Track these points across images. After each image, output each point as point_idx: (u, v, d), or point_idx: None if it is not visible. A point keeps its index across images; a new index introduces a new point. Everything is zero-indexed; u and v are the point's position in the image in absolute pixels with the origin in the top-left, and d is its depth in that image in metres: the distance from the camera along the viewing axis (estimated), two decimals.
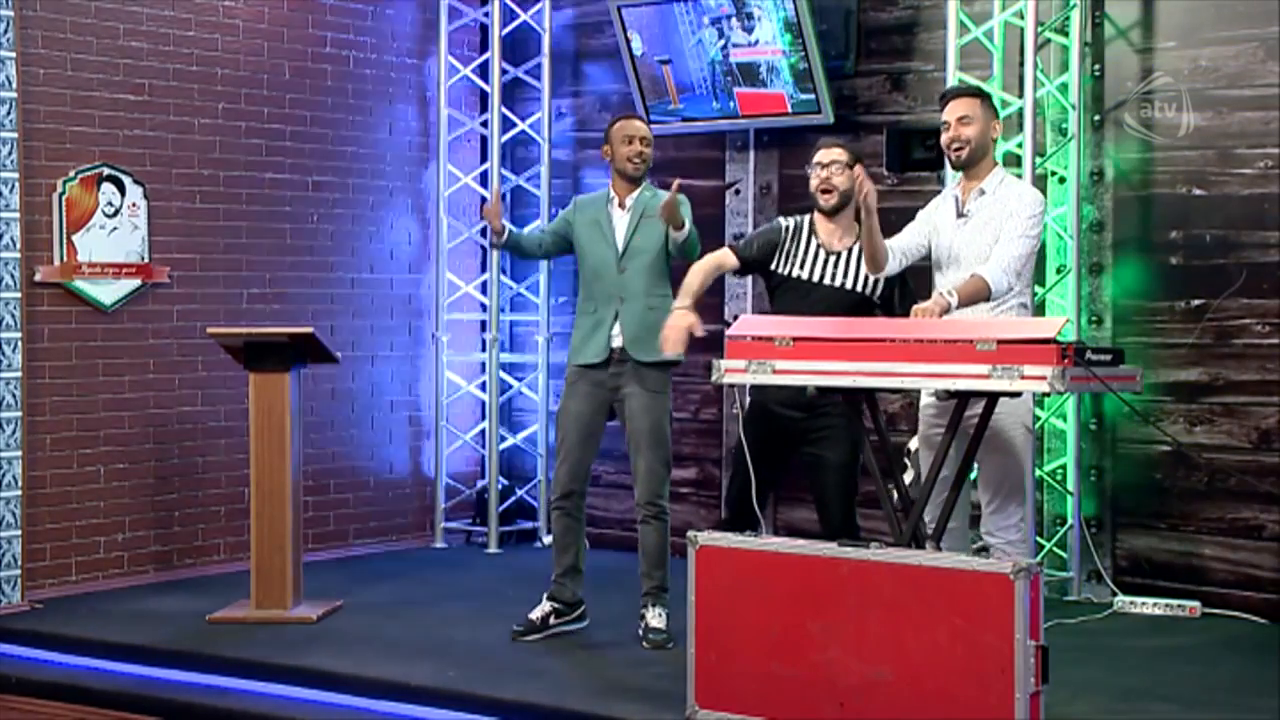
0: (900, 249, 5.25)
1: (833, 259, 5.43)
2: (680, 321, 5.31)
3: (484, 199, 6.10)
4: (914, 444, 5.38)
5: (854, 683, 4.48)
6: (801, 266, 5.44)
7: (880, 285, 5.40)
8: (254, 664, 5.58)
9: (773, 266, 5.50)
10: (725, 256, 5.56)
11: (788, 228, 5.52)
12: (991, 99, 5.31)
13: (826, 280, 5.41)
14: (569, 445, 5.88)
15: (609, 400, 5.87)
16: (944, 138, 5.24)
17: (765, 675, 4.62)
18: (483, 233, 8.19)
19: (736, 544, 4.76)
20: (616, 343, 5.81)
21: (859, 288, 5.40)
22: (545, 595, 5.96)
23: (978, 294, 4.97)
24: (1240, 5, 6.36)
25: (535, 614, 5.92)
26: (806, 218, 5.52)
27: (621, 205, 5.90)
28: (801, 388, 4.96)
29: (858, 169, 5.13)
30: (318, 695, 5.35)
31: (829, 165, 5.39)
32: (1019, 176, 6.47)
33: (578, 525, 5.96)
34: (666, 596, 5.82)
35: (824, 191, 5.40)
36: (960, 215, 5.18)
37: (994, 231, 5.10)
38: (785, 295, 5.48)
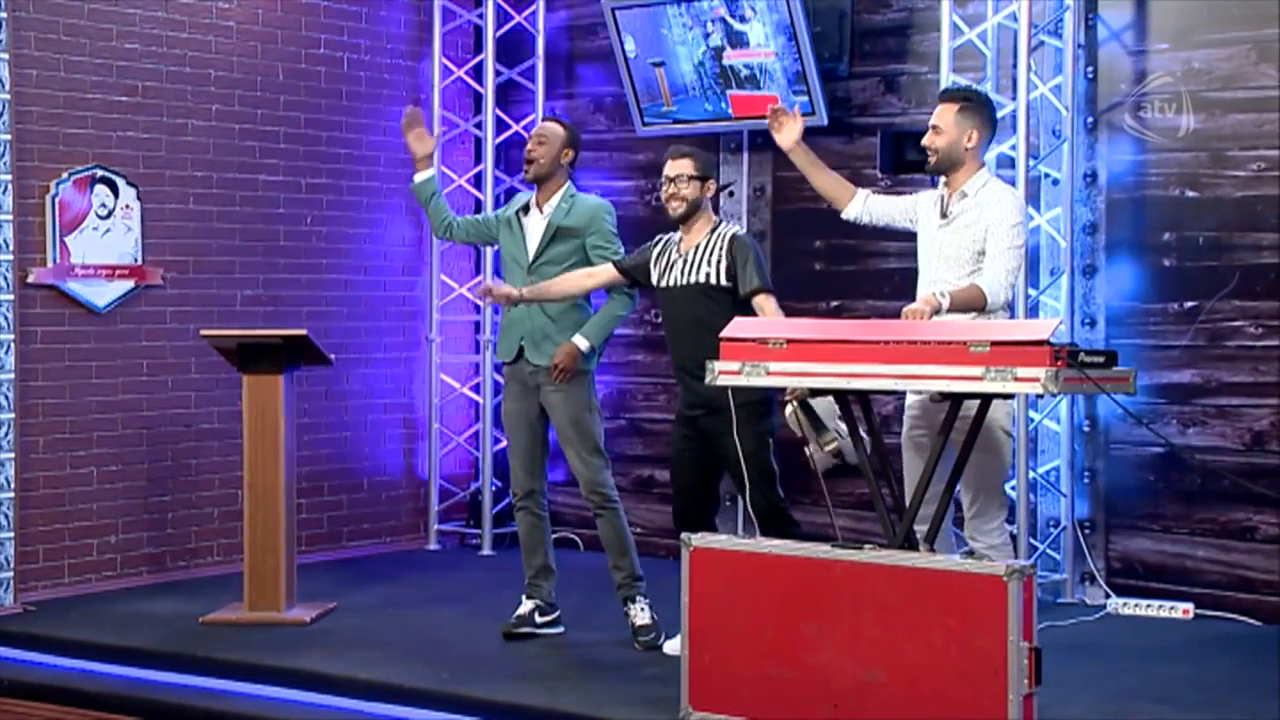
0: (871, 199, 5.41)
1: (682, 260, 5.57)
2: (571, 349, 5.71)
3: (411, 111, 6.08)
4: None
5: (848, 684, 4.48)
6: (664, 276, 5.61)
7: (720, 271, 5.47)
8: (247, 666, 5.57)
9: (654, 281, 5.65)
10: (606, 270, 5.79)
11: (659, 240, 5.71)
12: (975, 104, 5.22)
13: (681, 280, 5.54)
14: (516, 444, 5.98)
15: (536, 399, 5.93)
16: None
17: (759, 677, 4.62)
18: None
19: (730, 546, 4.76)
20: (522, 343, 5.90)
21: (699, 279, 5.49)
22: (524, 595, 5.98)
23: (973, 303, 4.98)
24: (1233, 7, 6.37)
25: (521, 611, 5.96)
26: (677, 233, 5.65)
27: (540, 208, 5.94)
28: (699, 387, 5.15)
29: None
30: (311, 697, 5.35)
31: (675, 179, 5.55)
32: (1013, 178, 6.49)
33: (542, 524, 6.00)
34: (643, 585, 5.83)
35: (670, 199, 5.56)
36: (943, 216, 5.20)
37: (976, 234, 5.11)
38: (661, 305, 5.68)
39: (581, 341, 5.81)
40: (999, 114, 6.65)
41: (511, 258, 5.98)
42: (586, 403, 5.89)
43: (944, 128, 5.16)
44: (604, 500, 5.85)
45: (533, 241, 5.92)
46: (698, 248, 5.55)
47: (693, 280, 5.51)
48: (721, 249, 5.51)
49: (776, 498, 5.46)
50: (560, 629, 6.01)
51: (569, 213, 5.91)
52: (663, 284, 5.60)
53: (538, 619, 5.94)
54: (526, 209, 5.99)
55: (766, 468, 5.45)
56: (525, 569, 6.00)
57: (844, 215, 5.47)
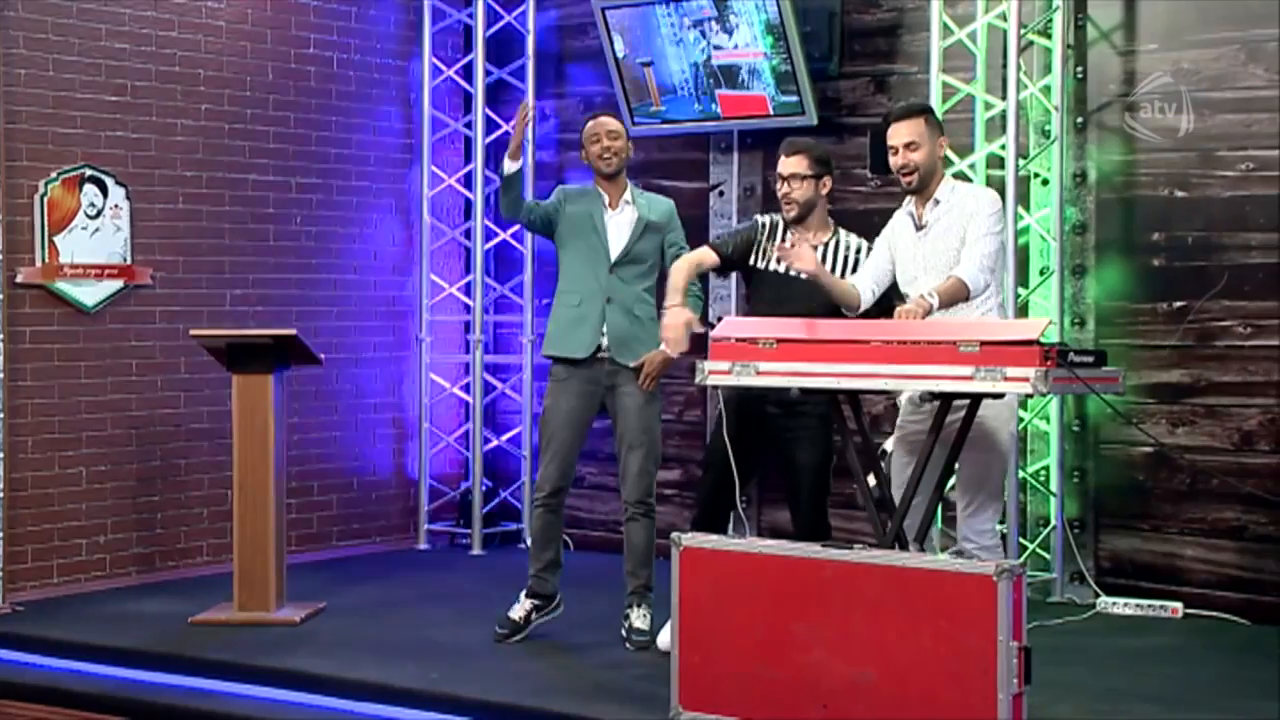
0: (872, 281, 5.28)
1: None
2: (677, 319, 5.33)
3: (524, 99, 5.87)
4: (889, 444, 5.37)
5: (838, 684, 4.48)
6: (779, 261, 5.45)
7: (850, 277, 5.43)
8: (237, 666, 5.56)
9: (751, 262, 5.54)
10: (705, 254, 5.59)
11: (764, 224, 5.58)
12: (932, 114, 5.25)
13: (799, 271, 5.43)
14: (559, 442, 5.84)
15: (601, 398, 5.85)
16: (892, 162, 5.20)
17: (749, 676, 4.62)
18: (466, 234, 8.19)
19: (721, 545, 4.77)
20: (603, 342, 5.80)
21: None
22: (524, 593, 5.94)
23: (957, 294, 4.98)
24: (1222, 8, 6.38)
25: (517, 613, 5.90)
26: (782, 215, 5.56)
27: (612, 205, 5.87)
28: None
29: (792, 241, 5.26)
30: (301, 697, 5.34)
31: (789, 179, 5.45)
32: (1002, 178, 6.50)
33: (559, 522, 5.96)
34: (651, 596, 5.83)
35: (786, 203, 5.47)
36: (919, 228, 5.18)
37: (957, 236, 5.11)
38: (763, 289, 5.53)
39: (673, 351, 5.71)
40: (988, 114, 6.71)
41: (586, 253, 5.83)
42: (658, 412, 5.87)
43: (920, 142, 5.15)
44: (649, 509, 5.83)
45: (619, 237, 5.83)
46: (826, 245, 5.46)
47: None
48: (856, 257, 5.42)
49: (826, 516, 5.48)
50: (560, 610, 5.97)
51: (649, 209, 5.88)
52: (773, 269, 5.46)
53: (534, 619, 5.92)
54: (594, 201, 5.86)
55: (826, 482, 5.49)
56: (533, 562, 5.93)
57: (863, 309, 5.28)
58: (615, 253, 5.82)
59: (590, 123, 5.93)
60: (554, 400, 5.87)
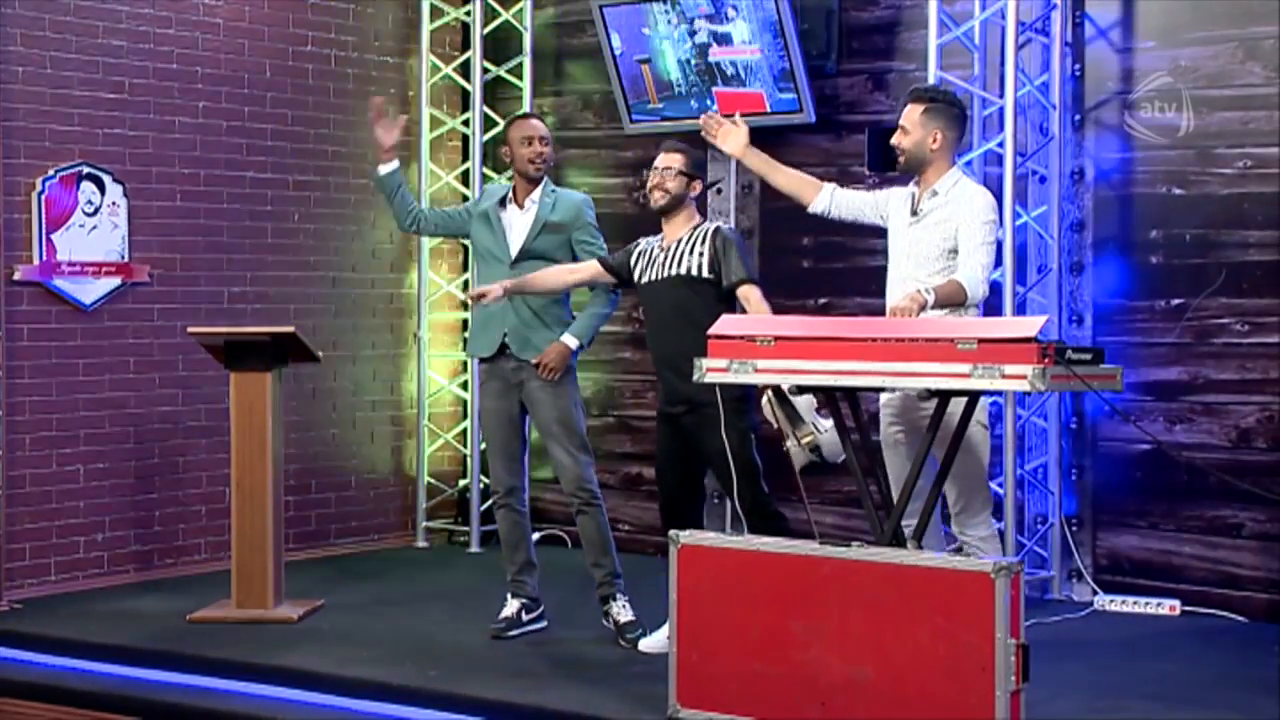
0: (841, 197, 5.45)
1: (663, 255, 5.58)
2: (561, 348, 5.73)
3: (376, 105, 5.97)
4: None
5: (835, 682, 4.48)
6: (646, 270, 5.61)
7: (703, 263, 5.49)
8: (235, 664, 5.56)
9: (634, 279, 5.67)
10: (586, 267, 5.79)
11: (641, 246, 5.71)
12: (941, 105, 5.21)
13: (662, 274, 5.55)
14: (497, 442, 5.95)
15: (518, 396, 5.92)
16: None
17: (747, 674, 4.62)
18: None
19: (718, 543, 4.77)
20: (504, 339, 5.87)
21: (681, 271, 5.51)
22: (509, 594, 5.97)
23: (954, 297, 5.02)
24: (1220, 5, 6.38)
25: (508, 611, 5.94)
26: (660, 234, 5.68)
27: (519, 204, 5.93)
28: (680, 384, 5.27)
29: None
30: (299, 695, 5.34)
31: (663, 170, 5.58)
32: (1000, 175, 6.50)
33: (523, 520, 6.01)
34: (622, 583, 5.84)
35: (659, 190, 5.58)
36: (914, 214, 5.22)
37: (946, 232, 5.13)
38: (643, 302, 5.68)
39: (571, 340, 5.82)
40: (986, 112, 6.70)
41: (489, 253, 5.95)
42: (571, 399, 5.89)
43: (910, 128, 5.19)
44: (589, 497, 5.84)
45: (516, 236, 5.90)
46: (679, 241, 5.57)
47: (674, 273, 5.52)
48: (704, 242, 5.53)
49: (761, 493, 5.46)
50: (544, 624, 6.01)
51: (554, 207, 5.92)
52: (644, 280, 5.61)
53: (524, 618, 5.94)
54: (503, 203, 5.97)
55: (750, 463, 5.45)
56: (507, 566, 5.99)
57: (811, 209, 5.52)
58: (514, 250, 5.88)
59: (519, 122, 6.02)
60: (483, 402, 6.07)
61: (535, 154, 5.90)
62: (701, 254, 5.50)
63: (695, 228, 5.59)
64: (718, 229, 5.56)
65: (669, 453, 5.57)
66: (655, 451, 5.71)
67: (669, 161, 5.60)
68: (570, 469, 5.83)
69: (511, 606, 5.95)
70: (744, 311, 5.43)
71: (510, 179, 6.15)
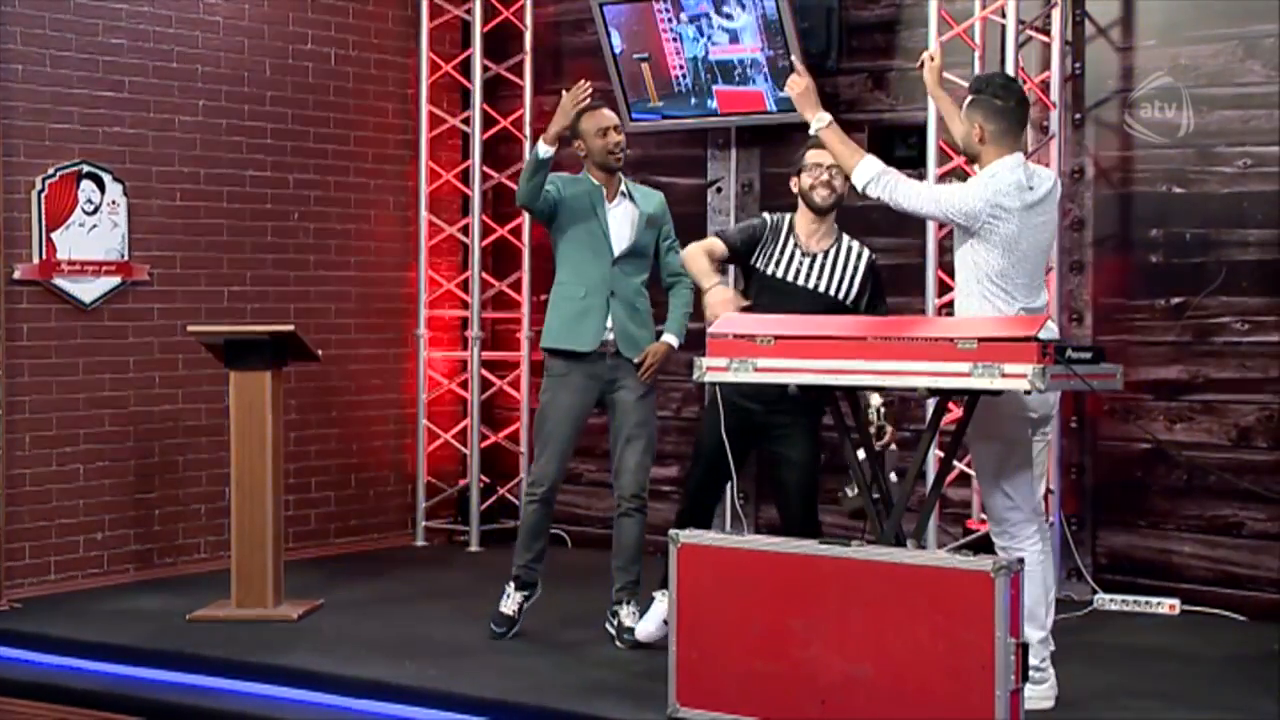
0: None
1: (808, 260, 5.46)
2: (723, 295, 5.30)
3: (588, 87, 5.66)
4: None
5: (835, 680, 4.48)
6: (779, 265, 5.46)
7: (854, 290, 5.44)
8: (234, 663, 5.56)
9: (753, 260, 5.51)
10: (714, 244, 5.55)
11: (770, 223, 5.54)
12: (982, 96, 5.00)
13: (802, 282, 5.44)
14: (558, 437, 5.79)
15: (601, 393, 5.81)
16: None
17: (747, 673, 4.62)
18: (464, 230, 8.17)
19: (718, 542, 4.77)
20: (609, 335, 5.76)
21: (833, 292, 5.44)
22: (514, 585, 5.90)
23: (844, 155, 5.05)
24: (1219, 4, 6.38)
25: (510, 608, 5.89)
26: (787, 216, 5.54)
27: (609, 198, 5.81)
28: (771, 386, 5.10)
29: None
30: (299, 694, 5.34)
31: (829, 167, 5.38)
32: None
33: (551, 515, 5.93)
34: (639, 592, 5.82)
35: (828, 189, 5.41)
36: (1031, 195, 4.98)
37: (1052, 226, 5.06)
38: (761, 294, 5.48)
39: (674, 340, 5.77)
40: None
41: (588, 247, 5.75)
42: (655, 406, 5.87)
43: (960, 121, 5.11)
44: (643, 504, 5.79)
45: (622, 231, 5.77)
46: (828, 254, 5.46)
47: (825, 289, 5.41)
48: (860, 268, 5.45)
49: (815, 515, 5.49)
50: (540, 593, 5.96)
51: (646, 202, 5.84)
52: (775, 273, 5.45)
53: (520, 615, 5.91)
54: (593, 192, 5.79)
55: (815, 483, 5.51)
56: (524, 553, 5.86)
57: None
58: (619, 247, 5.77)
59: (592, 114, 5.76)
60: (553, 395, 5.81)
61: (614, 144, 5.75)
62: (854, 279, 5.44)
63: (843, 242, 5.48)
64: (872, 260, 5.50)
65: (719, 443, 5.23)
66: (700, 438, 5.63)
67: (827, 158, 5.38)
68: (638, 473, 5.76)
69: (514, 601, 5.88)
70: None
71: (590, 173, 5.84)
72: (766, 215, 5.60)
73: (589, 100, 5.68)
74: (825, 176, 5.40)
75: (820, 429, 5.51)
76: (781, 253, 5.46)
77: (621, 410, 5.79)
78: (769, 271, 5.46)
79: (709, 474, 5.52)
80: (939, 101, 5.45)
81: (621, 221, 5.80)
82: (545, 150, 5.61)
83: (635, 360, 5.76)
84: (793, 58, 5.42)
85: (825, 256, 5.45)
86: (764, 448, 5.56)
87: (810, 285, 5.43)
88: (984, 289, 4.89)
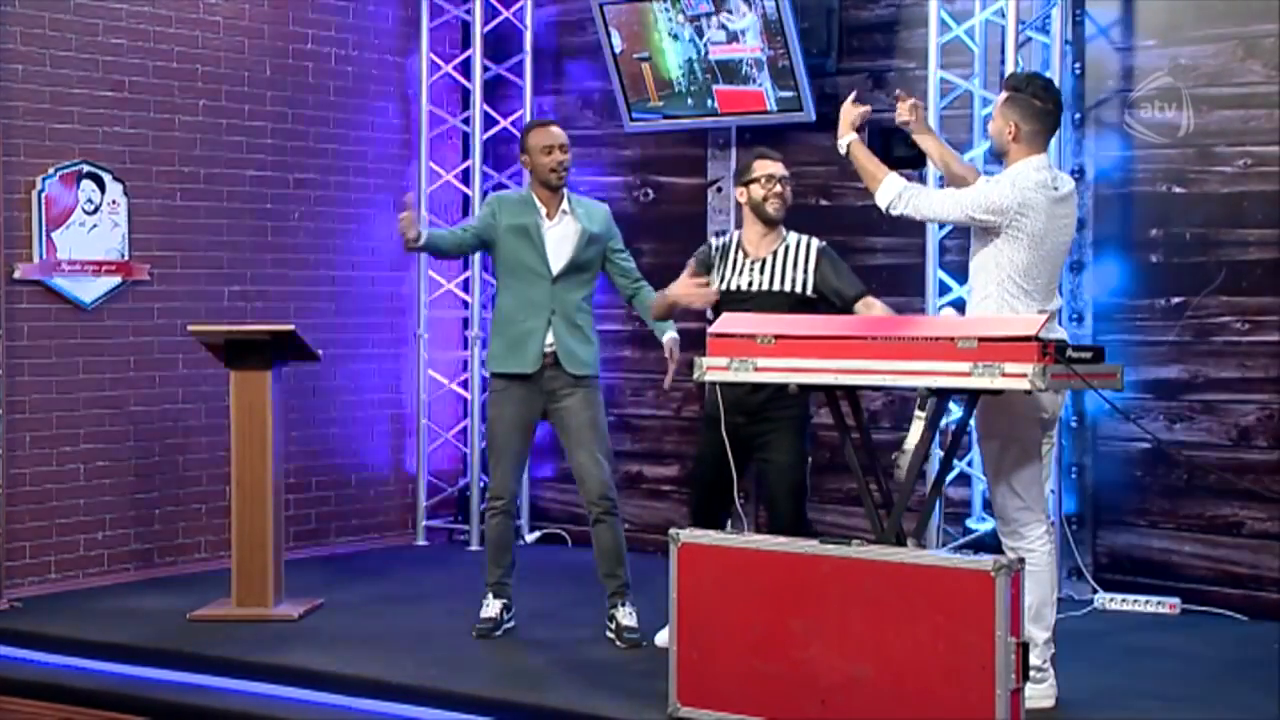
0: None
1: (758, 265, 5.53)
2: (680, 282, 5.47)
3: (402, 204, 5.80)
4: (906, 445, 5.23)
5: (835, 680, 4.48)
6: (732, 279, 5.55)
7: (809, 280, 5.48)
8: (235, 662, 5.57)
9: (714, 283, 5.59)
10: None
11: (716, 246, 5.66)
12: (1019, 95, 4.95)
13: (755, 287, 5.51)
14: (508, 450, 5.86)
15: (542, 404, 5.86)
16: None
17: (747, 673, 4.62)
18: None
19: (718, 542, 4.77)
20: (549, 351, 5.79)
21: (788, 288, 5.49)
22: (491, 594, 5.94)
23: (870, 173, 5.05)
24: (1220, 4, 6.38)
25: (491, 611, 5.92)
26: (733, 234, 5.65)
27: (550, 216, 5.84)
28: (745, 393, 5.22)
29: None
30: (299, 693, 5.34)
31: (780, 178, 5.52)
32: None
33: (513, 524, 6.00)
34: (631, 593, 5.83)
35: (780, 200, 5.52)
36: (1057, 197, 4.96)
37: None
38: (725, 309, 5.52)
39: (673, 333, 5.83)
40: (985, 111, 6.69)
41: (527, 268, 5.80)
42: (602, 405, 5.89)
43: (994, 116, 5.09)
44: (612, 505, 5.80)
45: (561, 249, 5.79)
46: (776, 254, 5.52)
47: (778, 288, 5.46)
48: (808, 260, 5.50)
49: (804, 515, 5.51)
50: (514, 624, 6.01)
51: (590, 219, 5.87)
52: (730, 287, 5.52)
53: (504, 617, 5.94)
54: (531, 213, 5.83)
55: (802, 485, 5.51)
56: (493, 569, 5.94)
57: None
58: (557, 267, 5.80)
59: (539, 129, 5.87)
60: (498, 410, 5.88)
61: (557, 163, 5.79)
62: (806, 271, 5.48)
63: (790, 239, 5.55)
64: (821, 249, 5.54)
65: (717, 458, 5.31)
66: (699, 454, 5.69)
67: (781, 169, 5.53)
68: (597, 475, 5.78)
69: (494, 606, 5.93)
70: None
71: (529, 188, 5.93)
72: (712, 240, 5.70)
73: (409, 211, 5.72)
74: (778, 188, 5.51)
75: (807, 430, 5.51)
76: (733, 268, 5.56)
77: (567, 418, 5.82)
78: (726, 288, 5.54)
79: (708, 495, 5.59)
80: (926, 142, 5.32)
81: (561, 240, 5.82)
82: (416, 245, 5.73)
83: (576, 374, 5.79)
84: (898, 91, 5.45)
85: (774, 257, 5.53)
86: (753, 457, 5.56)
87: (765, 288, 5.49)
88: (1004, 289, 4.87)
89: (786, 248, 5.54)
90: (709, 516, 5.57)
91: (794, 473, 5.48)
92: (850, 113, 5.20)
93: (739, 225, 5.76)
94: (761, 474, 5.58)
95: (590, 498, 5.80)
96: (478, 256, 7.93)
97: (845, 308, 5.45)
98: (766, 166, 5.55)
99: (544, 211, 5.83)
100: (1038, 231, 4.83)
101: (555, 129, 5.90)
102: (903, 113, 5.24)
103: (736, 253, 5.57)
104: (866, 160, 5.11)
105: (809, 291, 5.48)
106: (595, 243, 5.86)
